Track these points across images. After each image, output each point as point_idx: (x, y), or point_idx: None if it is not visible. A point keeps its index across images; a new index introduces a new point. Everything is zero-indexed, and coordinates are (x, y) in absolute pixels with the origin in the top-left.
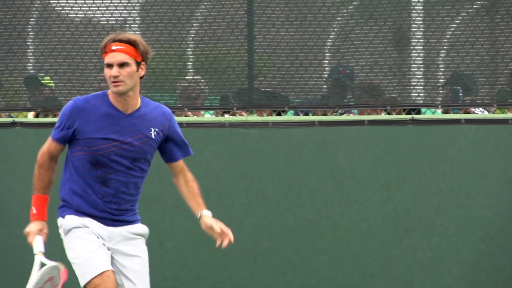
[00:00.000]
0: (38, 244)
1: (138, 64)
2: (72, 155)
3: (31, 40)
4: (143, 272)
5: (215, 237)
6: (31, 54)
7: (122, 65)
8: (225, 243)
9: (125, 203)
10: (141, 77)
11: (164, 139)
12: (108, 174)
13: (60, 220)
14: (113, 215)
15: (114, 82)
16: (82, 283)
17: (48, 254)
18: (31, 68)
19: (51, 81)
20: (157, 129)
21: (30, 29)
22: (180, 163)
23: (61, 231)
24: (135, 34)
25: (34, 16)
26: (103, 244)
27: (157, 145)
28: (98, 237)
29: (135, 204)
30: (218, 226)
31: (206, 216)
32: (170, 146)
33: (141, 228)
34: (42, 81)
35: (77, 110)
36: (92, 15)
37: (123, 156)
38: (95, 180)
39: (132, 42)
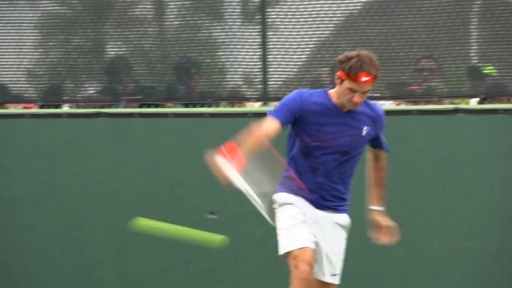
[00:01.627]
0: None
1: None
2: (290, 139)
3: (474, 26)
4: (339, 257)
5: (376, 233)
6: (474, 40)
7: (364, 93)
8: (385, 241)
9: (332, 191)
10: None
11: (374, 137)
12: (317, 164)
13: (275, 196)
14: (320, 200)
15: (353, 104)
16: (282, 252)
17: None
18: (473, 55)
19: (494, 69)
20: (368, 128)
21: (473, 16)
22: (382, 151)
23: (275, 205)
24: (374, 57)
25: (477, 2)
26: (307, 223)
27: (366, 142)
28: (304, 216)
29: (342, 195)
30: (385, 224)
31: (379, 212)
32: (377, 140)
33: (344, 219)
34: (484, 71)
35: (303, 100)
36: None
37: (333, 149)
38: (305, 168)
39: (377, 76)
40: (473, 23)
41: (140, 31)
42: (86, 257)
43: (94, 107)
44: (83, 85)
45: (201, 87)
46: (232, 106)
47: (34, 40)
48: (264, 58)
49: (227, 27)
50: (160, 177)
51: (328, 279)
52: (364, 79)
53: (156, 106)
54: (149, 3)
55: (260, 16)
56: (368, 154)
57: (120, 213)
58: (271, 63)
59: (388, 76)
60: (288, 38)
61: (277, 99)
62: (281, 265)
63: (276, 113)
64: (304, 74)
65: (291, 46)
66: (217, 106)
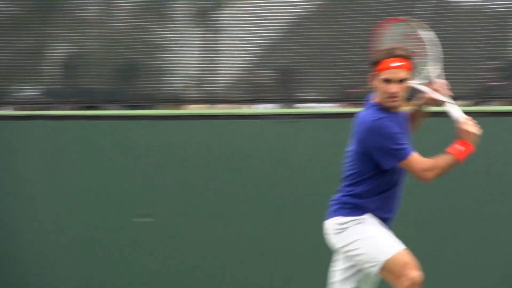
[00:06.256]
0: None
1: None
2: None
3: None
4: None
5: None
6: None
7: (401, 81)
8: None
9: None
10: None
11: None
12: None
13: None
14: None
15: (392, 97)
16: (382, 259)
17: None
18: None
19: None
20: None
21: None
22: None
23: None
24: (404, 45)
25: (418, 4)
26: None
27: None
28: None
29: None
30: None
31: None
32: None
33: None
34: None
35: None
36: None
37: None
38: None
39: (410, 58)
40: None
41: (82, 33)
42: (17, 260)
43: (32, 110)
44: (21, 87)
45: (141, 90)
46: (173, 109)
47: None
48: (207, 61)
49: (171, 29)
50: (95, 180)
51: None
52: (394, 64)
53: (96, 108)
54: (94, 5)
55: (206, 19)
56: None
57: (53, 215)
58: (214, 65)
59: (335, 78)
60: (234, 40)
61: (220, 101)
62: (215, 264)
63: (409, 148)
64: (248, 76)
65: (236, 49)
66: (158, 108)
